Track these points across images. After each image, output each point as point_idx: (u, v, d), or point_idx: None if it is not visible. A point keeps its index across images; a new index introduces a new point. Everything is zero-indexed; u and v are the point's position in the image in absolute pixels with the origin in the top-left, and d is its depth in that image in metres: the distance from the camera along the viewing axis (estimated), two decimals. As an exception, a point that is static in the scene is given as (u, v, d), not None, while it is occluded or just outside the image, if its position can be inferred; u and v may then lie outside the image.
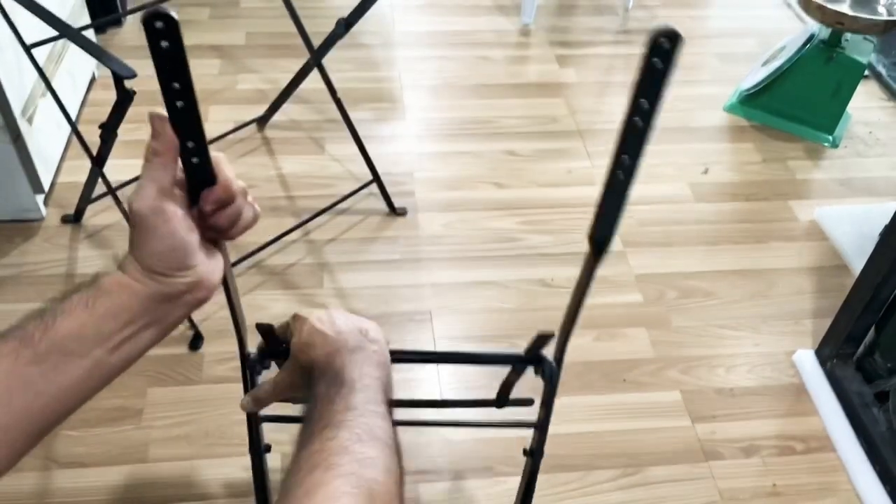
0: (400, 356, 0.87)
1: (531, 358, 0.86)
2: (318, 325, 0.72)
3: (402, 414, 1.03)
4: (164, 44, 0.51)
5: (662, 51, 0.55)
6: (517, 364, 0.87)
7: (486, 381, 1.40)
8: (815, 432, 1.36)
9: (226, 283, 0.71)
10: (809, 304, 1.59)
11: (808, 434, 1.35)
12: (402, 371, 1.41)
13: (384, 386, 0.66)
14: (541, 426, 0.95)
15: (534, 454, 0.98)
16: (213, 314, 1.46)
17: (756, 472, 1.29)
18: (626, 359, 1.46)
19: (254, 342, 0.83)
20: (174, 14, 0.49)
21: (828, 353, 1.42)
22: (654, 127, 0.60)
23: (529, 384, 0.91)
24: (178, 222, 0.56)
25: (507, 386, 0.91)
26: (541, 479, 1.26)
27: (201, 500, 1.21)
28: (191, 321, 1.43)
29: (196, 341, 1.42)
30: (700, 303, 1.58)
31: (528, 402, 0.94)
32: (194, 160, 0.57)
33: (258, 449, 0.95)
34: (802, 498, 1.26)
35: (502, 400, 0.92)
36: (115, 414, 1.31)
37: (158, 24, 0.49)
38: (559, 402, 1.37)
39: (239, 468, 1.24)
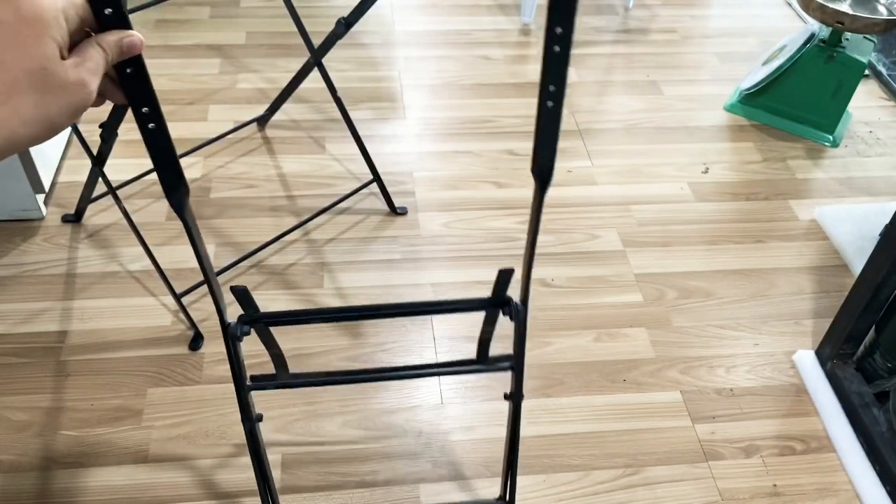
0: (365, 312, 0.88)
1: (498, 300, 0.88)
2: None
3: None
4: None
5: None
6: (484, 308, 0.90)
7: (488, 381, 1.40)
8: (814, 432, 1.36)
9: (200, 260, 0.73)
10: (809, 304, 1.59)
11: (808, 434, 1.36)
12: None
13: None
14: (516, 368, 0.97)
15: (514, 397, 1.01)
16: (213, 314, 1.46)
17: (756, 472, 1.29)
18: (626, 359, 1.46)
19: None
20: None
21: (828, 354, 1.42)
22: (571, 51, 0.63)
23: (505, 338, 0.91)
24: None
25: (484, 341, 0.94)
26: (541, 478, 1.26)
27: (201, 500, 1.21)
28: (191, 321, 1.43)
29: (196, 341, 1.42)
30: (700, 303, 1.58)
31: (507, 358, 0.97)
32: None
33: (250, 417, 0.95)
34: (802, 498, 1.26)
35: (483, 357, 0.95)
36: (115, 414, 1.31)
37: None
38: (559, 402, 1.38)
39: (239, 468, 1.24)
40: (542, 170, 0.75)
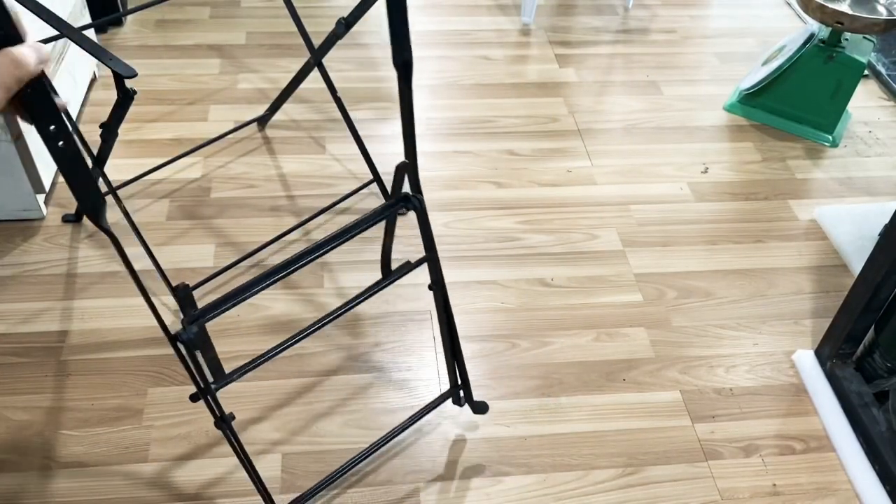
0: (291, 265, 0.90)
1: (398, 199, 0.94)
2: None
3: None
4: None
5: None
6: (389, 211, 0.96)
7: (487, 381, 1.40)
8: (814, 432, 1.36)
9: (137, 280, 0.74)
10: (809, 303, 1.59)
11: (807, 434, 1.36)
12: (402, 370, 1.41)
13: None
14: (431, 258, 1.03)
15: (437, 283, 1.08)
16: (213, 314, 1.46)
17: (755, 471, 1.30)
18: (625, 359, 1.46)
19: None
20: None
21: (827, 353, 1.42)
22: None
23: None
24: None
25: (385, 256, 0.99)
26: (541, 478, 1.27)
27: (201, 500, 1.21)
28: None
29: (196, 341, 1.42)
30: (700, 302, 1.58)
31: (407, 264, 1.01)
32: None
33: (223, 418, 0.96)
34: (802, 498, 1.27)
35: (386, 270, 0.98)
36: (115, 414, 1.31)
37: None
38: (559, 402, 1.38)
39: (239, 467, 1.24)
40: (404, 63, 0.81)
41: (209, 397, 0.92)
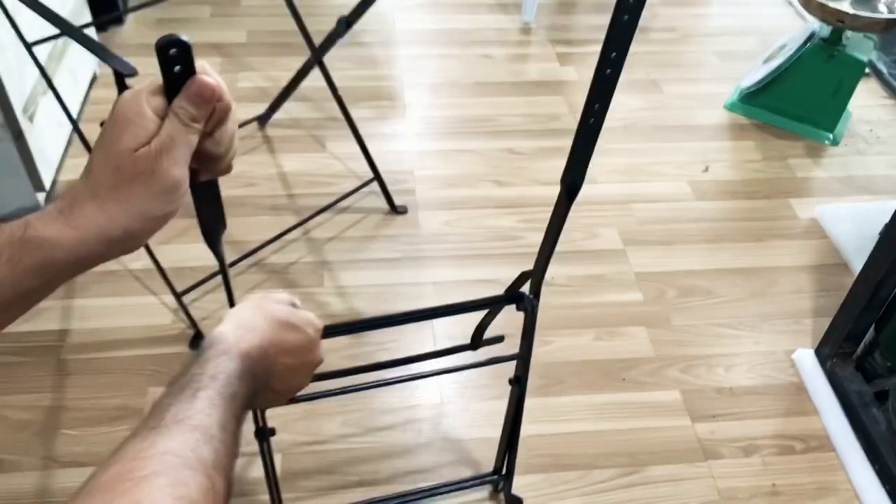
0: (379, 321, 0.93)
1: (512, 296, 0.94)
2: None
3: (381, 375, 1.07)
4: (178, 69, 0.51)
5: (630, 5, 0.64)
6: (502, 304, 0.94)
7: (488, 380, 1.40)
8: (814, 432, 1.36)
9: (225, 277, 0.74)
10: (809, 302, 1.59)
11: (807, 433, 1.36)
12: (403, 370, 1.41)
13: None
14: (524, 357, 1.01)
15: (520, 381, 1.04)
16: (213, 313, 1.46)
17: (755, 471, 1.30)
18: (625, 358, 1.46)
19: None
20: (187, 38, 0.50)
21: (827, 353, 1.42)
22: (619, 75, 0.66)
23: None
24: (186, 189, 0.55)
25: (481, 328, 0.98)
26: (540, 478, 1.27)
27: (202, 499, 1.21)
28: (191, 320, 1.43)
29: (196, 340, 1.42)
30: (700, 301, 1.58)
31: (499, 339, 1.00)
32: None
33: (265, 430, 0.96)
34: (802, 497, 1.26)
35: (477, 341, 0.98)
36: (115, 413, 1.31)
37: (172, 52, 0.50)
38: (559, 401, 1.38)
39: (239, 467, 1.24)
40: (572, 185, 0.80)
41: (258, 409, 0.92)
